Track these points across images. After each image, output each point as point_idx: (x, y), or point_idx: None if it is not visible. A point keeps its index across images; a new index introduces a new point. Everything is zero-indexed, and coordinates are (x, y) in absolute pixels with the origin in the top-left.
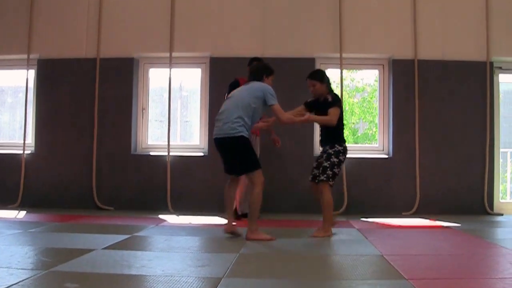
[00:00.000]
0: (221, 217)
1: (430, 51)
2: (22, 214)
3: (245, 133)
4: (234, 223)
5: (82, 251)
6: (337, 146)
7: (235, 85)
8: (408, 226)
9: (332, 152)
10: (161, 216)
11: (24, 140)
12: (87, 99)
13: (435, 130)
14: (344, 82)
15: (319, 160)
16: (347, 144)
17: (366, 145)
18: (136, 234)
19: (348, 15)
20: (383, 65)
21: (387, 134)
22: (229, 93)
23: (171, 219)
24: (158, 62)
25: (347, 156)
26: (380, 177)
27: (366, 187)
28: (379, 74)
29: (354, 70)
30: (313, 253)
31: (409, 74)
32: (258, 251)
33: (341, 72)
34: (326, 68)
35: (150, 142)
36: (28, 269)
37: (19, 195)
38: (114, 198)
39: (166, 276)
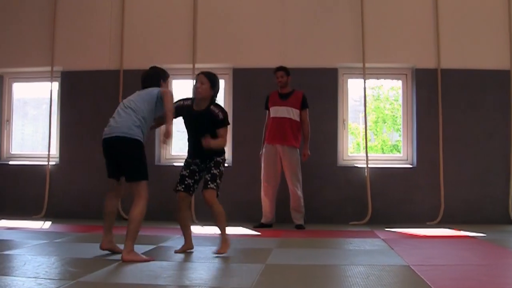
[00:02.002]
0: (245, 227)
1: (452, 60)
2: (47, 224)
3: (140, 137)
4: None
5: (108, 262)
6: (223, 155)
7: (267, 98)
8: (433, 236)
9: (221, 160)
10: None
11: (49, 151)
12: (110, 111)
13: (459, 139)
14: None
15: (191, 168)
16: (374, 154)
17: (390, 155)
18: (161, 244)
19: (370, 24)
20: (406, 74)
21: (411, 144)
22: (265, 106)
23: (195, 229)
24: (180, 74)
25: (371, 166)
26: (404, 187)
27: (390, 197)
28: (402, 83)
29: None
30: (338, 264)
31: (432, 84)
32: (284, 262)
33: (364, 82)
34: (349, 78)
35: (174, 153)
36: (56, 279)
37: (43, 205)
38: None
39: (194, 286)
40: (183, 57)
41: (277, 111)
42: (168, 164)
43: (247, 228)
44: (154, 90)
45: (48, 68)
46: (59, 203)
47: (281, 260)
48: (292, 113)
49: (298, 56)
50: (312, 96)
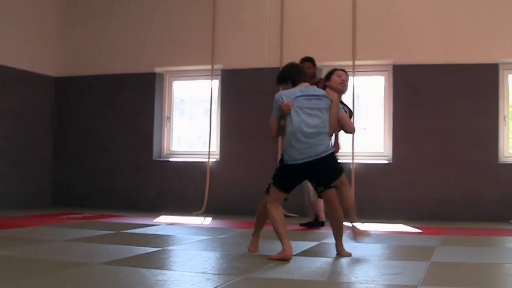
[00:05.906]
0: (406, 224)
1: None
2: (207, 220)
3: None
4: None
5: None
6: None
7: None
8: None
9: None
10: (346, 224)
11: (209, 148)
12: (269, 108)
13: None
14: None
15: None
16: None
17: None
18: (324, 241)
19: None
20: None
21: None
22: None
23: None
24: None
25: None
26: None
27: None
28: None
29: None
30: (504, 262)
31: None
32: (449, 260)
33: None
34: (510, 74)
35: None
36: (224, 274)
37: (204, 202)
38: (297, 205)
39: (361, 283)
40: (342, 54)
41: None
42: None
43: (407, 225)
44: None
45: (209, 67)
46: (219, 200)
47: (446, 258)
48: None
49: (460, 51)
50: (472, 92)
